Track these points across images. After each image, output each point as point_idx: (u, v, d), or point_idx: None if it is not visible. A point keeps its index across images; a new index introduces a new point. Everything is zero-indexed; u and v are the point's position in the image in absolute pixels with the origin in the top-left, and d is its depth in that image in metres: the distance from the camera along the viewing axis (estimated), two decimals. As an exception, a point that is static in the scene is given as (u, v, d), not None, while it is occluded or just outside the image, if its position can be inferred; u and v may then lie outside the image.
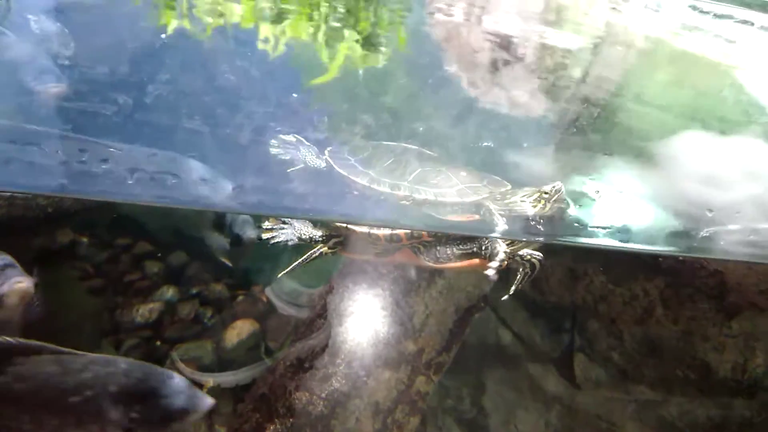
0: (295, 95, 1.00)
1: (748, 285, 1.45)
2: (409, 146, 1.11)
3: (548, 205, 0.98)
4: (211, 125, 0.83)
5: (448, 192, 1.01)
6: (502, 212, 1.02)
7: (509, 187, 1.04)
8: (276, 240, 1.30)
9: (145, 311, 2.48)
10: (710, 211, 0.92)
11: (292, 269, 1.39)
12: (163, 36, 0.97)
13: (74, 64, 0.92)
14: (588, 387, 1.81)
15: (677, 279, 1.49)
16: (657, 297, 1.52)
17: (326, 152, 1.07)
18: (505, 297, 1.20)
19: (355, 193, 1.04)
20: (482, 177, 1.04)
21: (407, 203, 1.03)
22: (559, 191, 0.96)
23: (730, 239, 0.89)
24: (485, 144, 1.06)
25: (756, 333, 1.58)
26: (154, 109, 0.82)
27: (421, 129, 1.10)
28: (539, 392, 1.94)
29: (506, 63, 1.73)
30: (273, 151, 1.02)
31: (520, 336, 1.96)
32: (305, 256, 1.33)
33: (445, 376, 1.95)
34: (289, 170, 1.01)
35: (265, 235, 1.30)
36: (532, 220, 1.00)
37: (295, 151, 1.05)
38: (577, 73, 1.74)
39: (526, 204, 0.99)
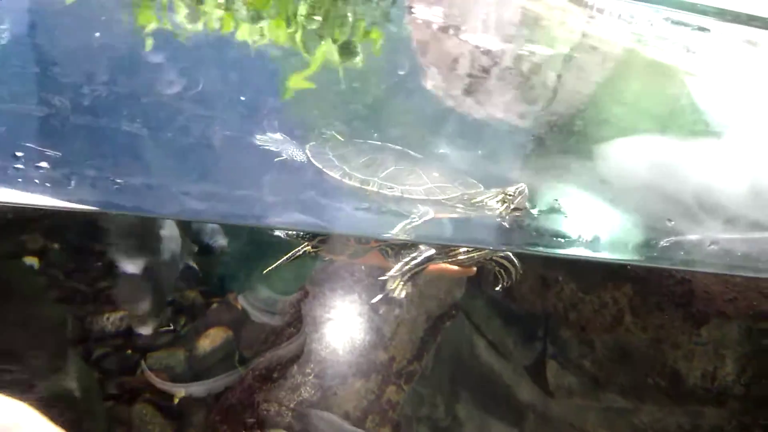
0: (243, 98, 0.98)
1: (716, 293, 1.46)
2: (391, 146, 1.12)
3: (512, 206, 0.99)
4: (151, 129, 0.82)
5: (416, 190, 1.01)
6: (469, 212, 1.02)
7: (481, 188, 1.04)
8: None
9: (116, 319, 2.42)
10: (670, 221, 0.92)
11: (277, 266, 1.39)
12: (97, 35, 0.95)
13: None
14: (561, 395, 1.81)
15: (645, 287, 1.50)
16: (626, 305, 1.52)
17: (307, 147, 1.07)
18: (498, 288, 1.19)
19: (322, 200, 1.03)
20: (455, 178, 1.05)
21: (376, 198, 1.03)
22: (523, 192, 0.97)
23: (691, 249, 0.89)
24: (441, 151, 1.06)
25: (725, 341, 1.58)
26: (91, 112, 0.79)
27: (375, 135, 1.10)
28: (513, 400, 1.93)
29: (482, 71, 1.73)
30: (258, 143, 1.02)
31: (494, 343, 1.96)
32: (290, 254, 1.33)
33: (419, 384, 1.93)
34: (276, 159, 1.02)
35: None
36: (498, 218, 1.00)
37: (281, 145, 1.06)
38: (549, 81, 1.76)
39: (491, 205, 1.00)
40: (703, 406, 1.62)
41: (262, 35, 1.65)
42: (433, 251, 1.06)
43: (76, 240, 2.52)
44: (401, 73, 1.51)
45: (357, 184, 1.02)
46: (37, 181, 0.71)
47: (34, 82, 0.90)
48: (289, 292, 2.07)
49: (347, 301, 1.82)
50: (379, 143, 1.13)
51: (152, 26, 1.41)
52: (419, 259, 1.06)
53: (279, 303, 2.27)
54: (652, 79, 1.76)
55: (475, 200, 1.01)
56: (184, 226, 2.13)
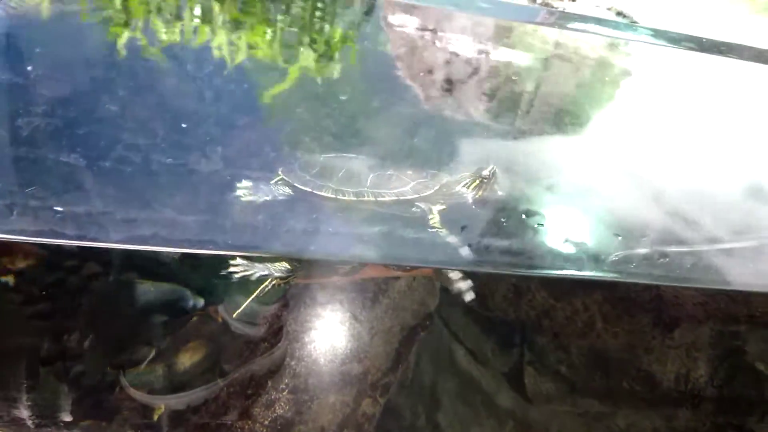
0: (184, 125, 0.98)
1: (685, 297, 1.48)
2: (352, 155, 1.13)
3: (487, 189, 1.01)
4: (89, 159, 0.81)
5: (406, 191, 1.03)
6: (451, 201, 1.03)
7: (447, 177, 1.06)
8: (245, 274, 1.30)
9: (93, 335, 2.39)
10: (617, 235, 0.93)
11: (245, 307, 1.40)
12: (29, 69, 0.94)
13: None
14: (539, 401, 1.81)
15: (614, 293, 1.51)
16: (596, 311, 1.53)
17: (280, 171, 1.08)
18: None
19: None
20: (423, 173, 1.07)
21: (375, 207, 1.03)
22: (495, 173, 1.00)
23: (640, 263, 0.90)
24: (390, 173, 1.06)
25: (697, 344, 1.60)
26: (28, 143, 0.78)
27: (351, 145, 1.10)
28: (493, 407, 1.93)
29: (456, 81, 1.74)
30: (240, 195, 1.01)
31: (472, 351, 1.96)
32: (258, 291, 1.33)
33: (400, 394, 1.92)
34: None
35: (234, 269, 1.30)
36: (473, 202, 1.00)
37: (258, 191, 1.04)
38: (522, 88, 1.77)
39: (468, 191, 1.02)
40: (678, 408, 1.63)
41: (238, 46, 1.64)
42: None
43: (53, 255, 2.49)
44: (364, 102, 1.52)
45: (353, 198, 1.02)
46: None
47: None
48: (270, 302, 2.06)
49: (328, 310, 1.81)
50: (342, 155, 1.13)
51: (123, 42, 1.40)
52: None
53: (260, 314, 2.25)
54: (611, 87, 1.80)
55: (453, 189, 1.03)
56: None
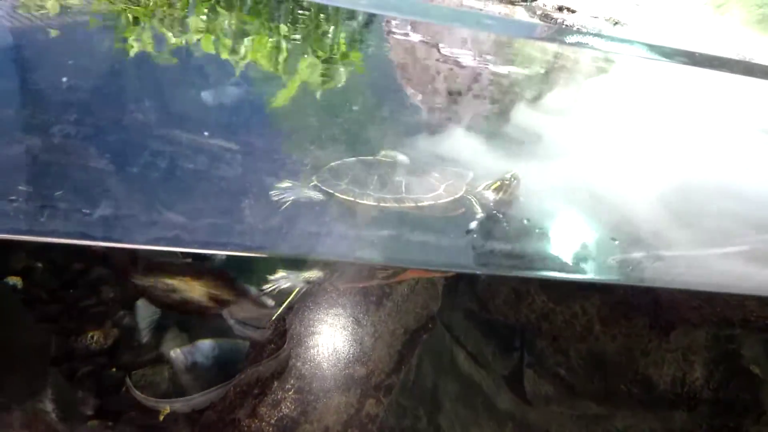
0: (206, 133, 1.02)
1: (681, 301, 1.51)
2: (367, 158, 1.14)
3: (508, 192, 1.03)
4: (118, 164, 0.85)
5: (441, 194, 1.04)
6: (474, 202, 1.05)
7: (471, 174, 1.08)
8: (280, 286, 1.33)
9: (100, 337, 2.43)
10: (614, 239, 0.97)
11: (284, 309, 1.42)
12: (64, 80, 0.98)
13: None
14: (538, 403, 1.84)
15: (611, 297, 1.55)
16: (594, 315, 1.57)
17: (314, 179, 1.07)
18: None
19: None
20: (449, 172, 1.09)
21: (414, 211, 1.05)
22: (517, 178, 1.02)
23: (636, 266, 0.94)
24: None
25: (693, 347, 1.63)
26: (59, 150, 0.82)
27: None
28: (493, 410, 1.96)
29: (460, 89, 1.79)
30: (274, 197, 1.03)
31: (473, 354, 1.99)
32: (294, 294, 1.35)
33: (402, 396, 1.96)
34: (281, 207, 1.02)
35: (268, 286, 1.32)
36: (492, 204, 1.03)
37: (293, 192, 1.05)
38: (522, 98, 1.81)
39: (489, 193, 1.04)
40: (674, 410, 1.66)
41: (243, 58, 1.68)
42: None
43: (60, 258, 2.53)
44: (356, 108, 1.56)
45: (395, 205, 1.03)
46: (11, 214, 0.73)
47: (5, 120, 0.92)
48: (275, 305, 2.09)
49: (330, 314, 1.84)
50: (356, 158, 1.15)
51: (133, 53, 1.44)
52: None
53: (263, 318, 2.28)
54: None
55: (477, 191, 1.05)
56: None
